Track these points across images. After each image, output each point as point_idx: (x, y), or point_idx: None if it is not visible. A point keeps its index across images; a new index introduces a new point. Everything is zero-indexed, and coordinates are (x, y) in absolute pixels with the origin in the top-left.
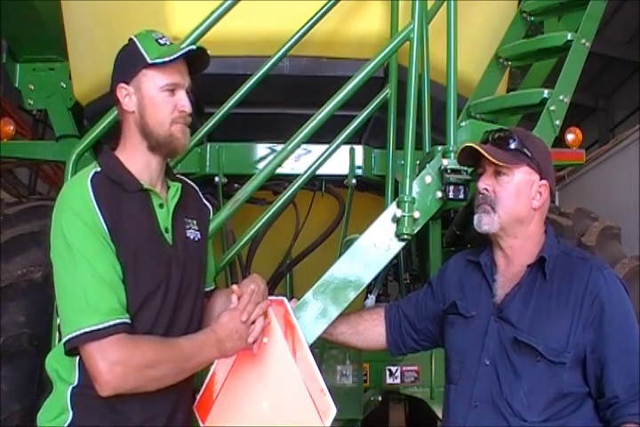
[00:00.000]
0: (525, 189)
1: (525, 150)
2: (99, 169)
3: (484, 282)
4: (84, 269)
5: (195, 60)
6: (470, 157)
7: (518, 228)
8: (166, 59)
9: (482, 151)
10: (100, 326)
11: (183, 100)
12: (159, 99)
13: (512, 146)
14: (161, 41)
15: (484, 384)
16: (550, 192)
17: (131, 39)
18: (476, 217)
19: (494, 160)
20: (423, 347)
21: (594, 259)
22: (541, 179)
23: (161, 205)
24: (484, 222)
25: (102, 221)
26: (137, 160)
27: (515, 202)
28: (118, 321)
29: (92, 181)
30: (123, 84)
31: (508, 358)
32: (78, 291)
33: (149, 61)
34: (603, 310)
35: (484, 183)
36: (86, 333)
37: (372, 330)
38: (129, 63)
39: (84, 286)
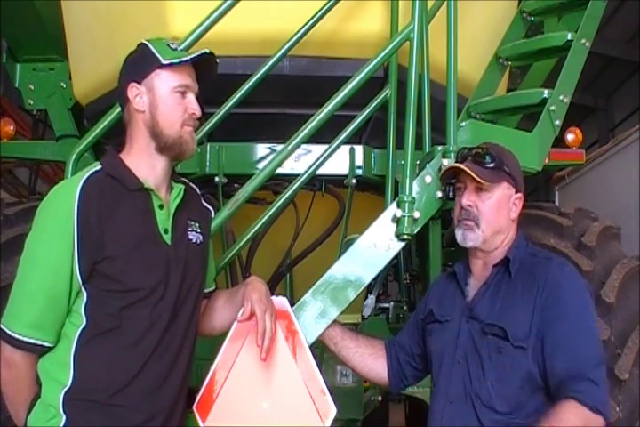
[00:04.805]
0: (505, 203)
1: (505, 167)
2: (99, 167)
3: (458, 288)
4: (34, 276)
5: (203, 67)
6: (449, 174)
7: (498, 238)
8: (183, 59)
9: (469, 172)
10: (17, 337)
11: (194, 104)
12: (171, 100)
13: (492, 165)
14: (172, 46)
15: (458, 381)
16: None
17: (142, 43)
18: (459, 233)
19: (481, 180)
20: (422, 372)
21: (557, 258)
22: (516, 192)
23: (161, 206)
24: (470, 239)
25: (76, 233)
26: (143, 163)
27: (496, 216)
28: (32, 341)
29: (85, 184)
30: (134, 84)
31: (477, 352)
32: (20, 293)
33: (163, 62)
34: (558, 294)
35: (468, 200)
36: (5, 333)
37: (376, 360)
38: (141, 63)
39: (24, 292)
